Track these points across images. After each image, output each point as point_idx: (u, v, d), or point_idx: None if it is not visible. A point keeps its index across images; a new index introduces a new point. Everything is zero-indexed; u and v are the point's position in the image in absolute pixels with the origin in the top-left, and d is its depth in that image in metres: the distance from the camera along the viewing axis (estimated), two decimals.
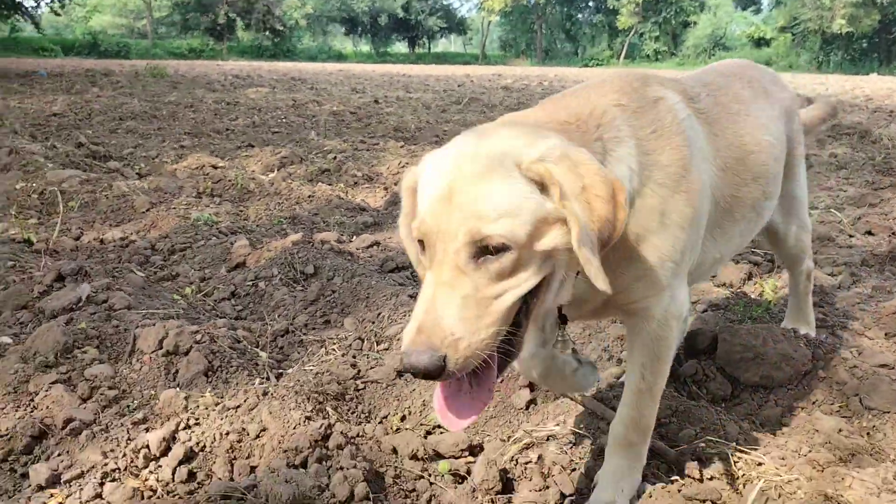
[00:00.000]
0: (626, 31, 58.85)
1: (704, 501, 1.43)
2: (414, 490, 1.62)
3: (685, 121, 1.50)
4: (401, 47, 73.61)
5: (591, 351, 2.27)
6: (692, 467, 1.56)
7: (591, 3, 66.74)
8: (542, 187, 1.20)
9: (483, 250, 1.17)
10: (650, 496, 1.47)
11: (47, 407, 1.81)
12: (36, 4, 45.83)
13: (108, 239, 3.56)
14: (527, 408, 1.95)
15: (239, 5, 52.36)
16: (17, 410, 1.80)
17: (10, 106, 9.34)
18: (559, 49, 68.35)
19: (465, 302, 1.16)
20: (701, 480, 1.52)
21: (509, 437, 1.83)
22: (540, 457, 1.66)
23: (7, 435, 1.70)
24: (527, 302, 1.24)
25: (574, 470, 1.60)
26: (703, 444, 1.67)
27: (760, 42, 55.46)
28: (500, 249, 1.17)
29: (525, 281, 1.20)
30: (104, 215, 4.04)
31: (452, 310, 1.16)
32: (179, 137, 7.26)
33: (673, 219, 1.40)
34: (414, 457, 1.70)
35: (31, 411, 1.78)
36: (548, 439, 1.73)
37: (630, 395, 1.50)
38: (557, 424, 1.79)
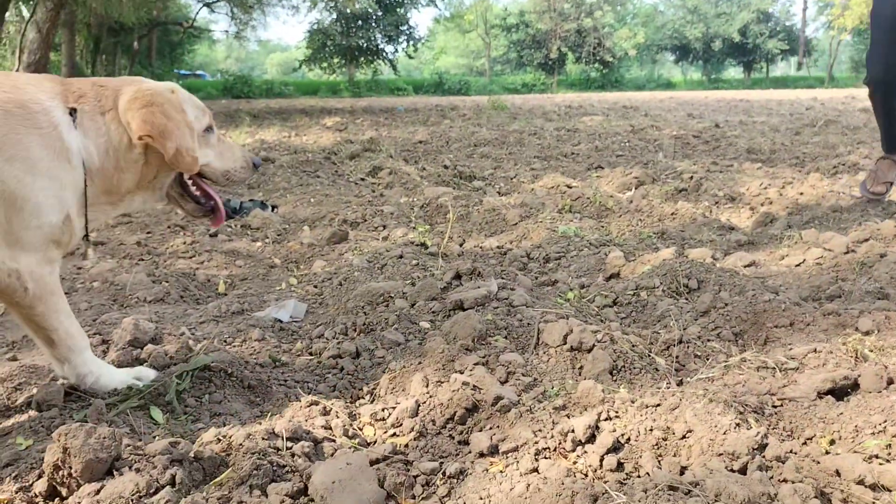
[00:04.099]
0: None
1: None
2: None
3: None
4: (734, 73, 69.92)
5: None
6: None
7: None
8: None
9: None
10: None
11: (474, 385, 1.97)
12: (394, 50, 52.17)
13: (487, 246, 3.85)
14: None
15: (571, 39, 54.22)
16: (448, 384, 1.98)
17: (382, 135, 10.68)
18: None
19: None
20: None
21: None
22: None
23: (446, 405, 1.88)
24: None
25: None
26: None
27: None
28: None
29: None
30: (479, 226, 4.38)
31: None
32: (530, 161, 7.65)
33: None
34: (861, 482, 1.52)
35: (463, 387, 1.94)
36: None
37: None
38: None
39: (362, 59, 48.81)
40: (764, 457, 1.53)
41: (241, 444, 1.58)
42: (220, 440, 1.61)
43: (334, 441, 1.73)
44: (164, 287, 3.04)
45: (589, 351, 2.18)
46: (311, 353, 2.40)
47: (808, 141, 8.91)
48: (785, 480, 1.46)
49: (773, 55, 61.47)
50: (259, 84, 41.27)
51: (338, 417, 1.84)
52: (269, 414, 1.90)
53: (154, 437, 1.72)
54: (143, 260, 3.62)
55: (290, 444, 1.63)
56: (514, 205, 4.72)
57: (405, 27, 48.35)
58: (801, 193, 5.08)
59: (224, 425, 1.79)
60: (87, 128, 1.80)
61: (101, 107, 1.83)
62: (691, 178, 5.67)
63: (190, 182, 2.07)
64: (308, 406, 1.89)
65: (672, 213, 4.42)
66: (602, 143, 9.10)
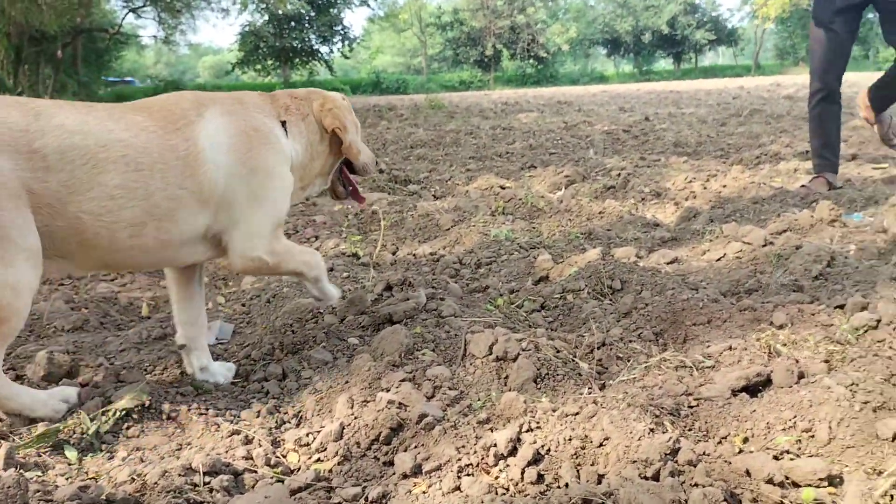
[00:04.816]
0: None
1: None
2: None
3: None
4: (665, 64, 71.45)
5: None
6: None
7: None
8: None
9: None
10: None
11: (399, 403, 1.97)
12: (330, 51, 51.57)
13: (420, 253, 3.85)
14: (893, 439, 1.72)
15: (505, 36, 54.64)
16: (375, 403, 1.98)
17: None
18: None
19: None
20: None
21: (874, 470, 1.63)
22: None
23: (371, 426, 1.87)
24: None
25: None
26: None
27: None
28: None
29: None
30: (413, 232, 4.38)
31: None
32: (465, 161, 7.69)
33: None
34: (770, 481, 1.57)
35: (388, 406, 1.94)
36: None
37: None
38: None
39: (297, 60, 48.24)
40: (676, 462, 1.57)
41: (156, 483, 1.54)
42: (133, 479, 1.57)
43: (256, 472, 1.71)
44: (83, 314, 2.95)
45: (514, 360, 2.20)
46: (236, 377, 2.37)
47: (732, 132, 9.18)
48: (696, 485, 1.50)
49: (701, 45, 63.10)
50: (191, 89, 40.41)
51: (260, 446, 1.82)
52: (188, 447, 1.86)
53: (67, 479, 1.67)
54: (62, 285, 3.50)
55: (208, 479, 1.60)
56: (448, 209, 4.74)
57: (339, 27, 47.98)
58: (725, 186, 5.23)
59: (141, 461, 1.75)
60: (294, 133, 2.32)
61: (301, 114, 2.37)
62: (619, 174, 5.78)
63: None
64: (229, 436, 1.86)
65: (600, 212, 4.50)
66: (536, 141, 9.20)
